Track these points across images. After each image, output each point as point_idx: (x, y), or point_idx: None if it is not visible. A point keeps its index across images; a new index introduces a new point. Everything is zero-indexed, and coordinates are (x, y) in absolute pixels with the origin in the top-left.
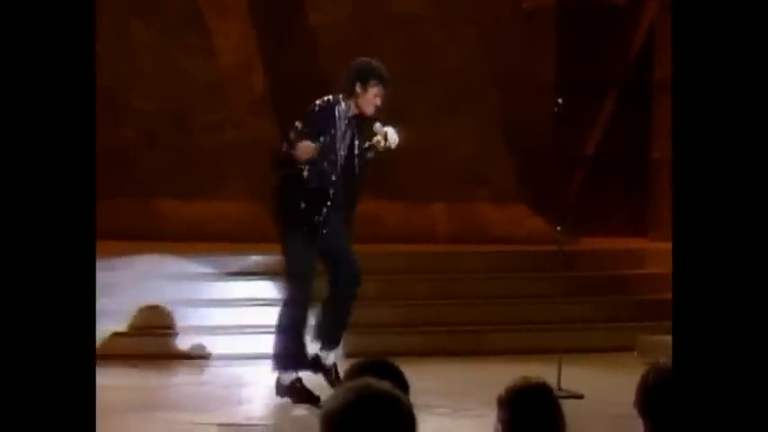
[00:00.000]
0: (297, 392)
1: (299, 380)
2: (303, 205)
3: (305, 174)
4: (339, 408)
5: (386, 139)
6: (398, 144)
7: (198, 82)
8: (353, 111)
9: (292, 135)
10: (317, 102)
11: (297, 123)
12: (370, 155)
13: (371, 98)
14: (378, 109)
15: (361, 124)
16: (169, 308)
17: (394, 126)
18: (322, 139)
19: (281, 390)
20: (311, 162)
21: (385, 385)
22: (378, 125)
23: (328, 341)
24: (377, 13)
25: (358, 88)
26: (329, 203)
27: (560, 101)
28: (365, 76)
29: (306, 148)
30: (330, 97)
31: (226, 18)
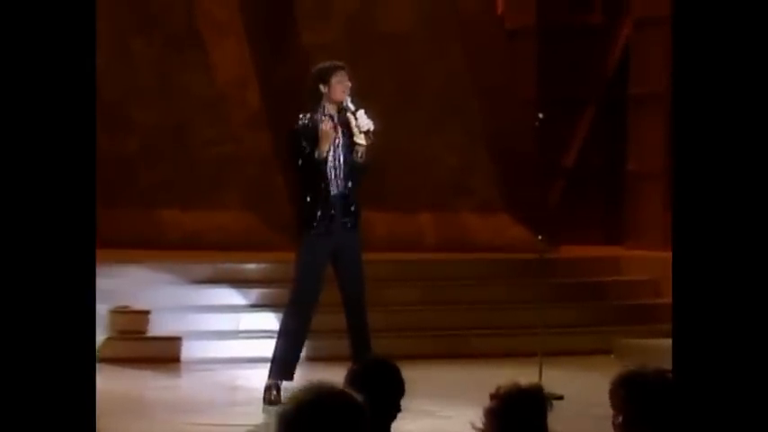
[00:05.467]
0: (267, 394)
1: (276, 386)
2: (318, 210)
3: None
4: (293, 408)
5: (366, 134)
6: (374, 126)
7: (197, 97)
8: (329, 111)
9: (304, 143)
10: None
11: (292, 141)
12: (359, 157)
13: (338, 85)
14: (344, 92)
15: (345, 121)
16: (166, 313)
17: (364, 109)
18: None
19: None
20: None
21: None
22: (361, 114)
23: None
24: (366, 32)
25: (323, 88)
26: (335, 205)
27: (541, 115)
28: (322, 76)
29: (325, 131)
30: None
31: (223, 36)
